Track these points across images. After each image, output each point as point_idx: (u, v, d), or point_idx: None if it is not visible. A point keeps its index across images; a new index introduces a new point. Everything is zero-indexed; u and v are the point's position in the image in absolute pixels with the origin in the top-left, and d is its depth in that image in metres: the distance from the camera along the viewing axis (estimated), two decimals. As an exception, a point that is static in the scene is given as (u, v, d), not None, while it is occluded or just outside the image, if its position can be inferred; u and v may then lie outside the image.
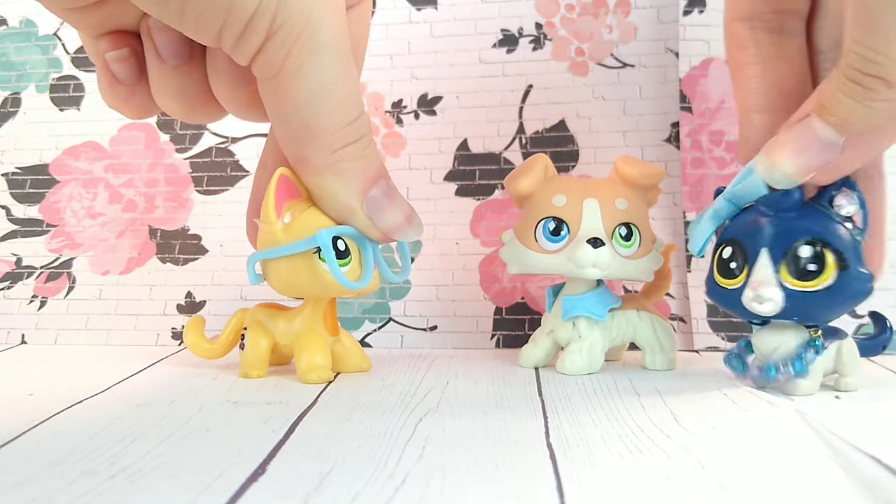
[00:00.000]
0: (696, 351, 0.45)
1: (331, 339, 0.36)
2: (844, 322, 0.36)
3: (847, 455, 0.24)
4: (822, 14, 0.34)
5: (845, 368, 0.33)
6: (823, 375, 0.33)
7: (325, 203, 0.32)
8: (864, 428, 0.27)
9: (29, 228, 0.51)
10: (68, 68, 0.54)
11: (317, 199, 0.33)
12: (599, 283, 0.38)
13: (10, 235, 0.51)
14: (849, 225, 0.31)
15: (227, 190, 0.51)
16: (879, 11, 0.26)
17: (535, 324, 0.45)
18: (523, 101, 0.50)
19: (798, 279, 0.31)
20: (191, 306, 0.48)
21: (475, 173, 0.49)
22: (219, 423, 0.28)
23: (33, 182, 0.52)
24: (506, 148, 0.49)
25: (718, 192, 0.35)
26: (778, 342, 0.33)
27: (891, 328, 0.36)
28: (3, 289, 0.50)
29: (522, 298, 0.47)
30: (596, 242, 0.35)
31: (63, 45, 0.54)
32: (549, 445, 0.25)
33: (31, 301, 0.49)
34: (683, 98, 0.48)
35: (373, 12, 0.52)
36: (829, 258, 0.30)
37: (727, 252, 0.33)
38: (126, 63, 0.30)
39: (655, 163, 0.47)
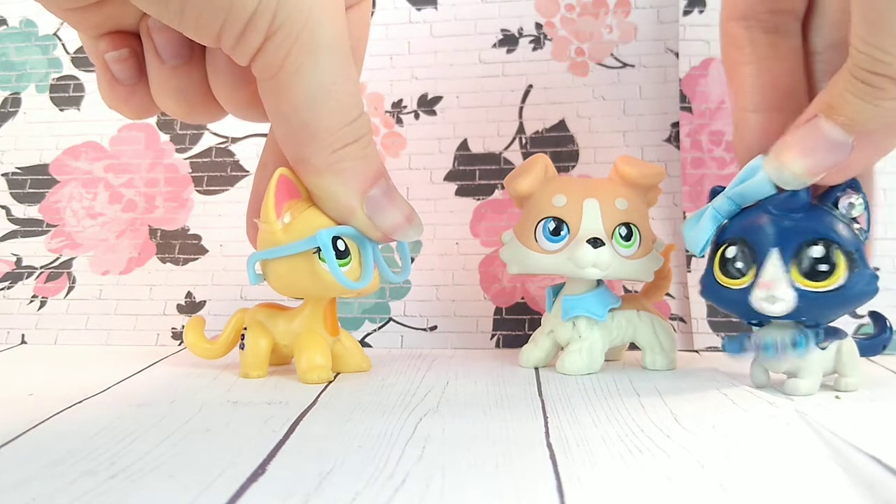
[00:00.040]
0: (696, 351, 0.45)
1: (331, 339, 0.36)
2: (844, 322, 0.36)
3: (847, 455, 0.24)
4: (818, 15, 0.34)
5: (845, 368, 0.33)
6: (823, 375, 0.33)
7: (324, 203, 0.32)
8: (864, 428, 0.27)
9: (29, 228, 0.51)
10: (68, 68, 0.54)
11: (316, 199, 0.33)
12: (599, 283, 0.38)
13: (10, 235, 0.51)
14: (855, 226, 0.31)
15: (227, 190, 0.51)
16: (888, 11, 0.26)
17: (535, 324, 0.45)
18: (523, 101, 0.50)
19: (809, 279, 0.30)
20: (191, 306, 0.48)
21: (475, 173, 0.49)
22: (219, 423, 0.28)
23: (33, 182, 0.52)
24: (506, 148, 0.49)
25: (714, 191, 0.35)
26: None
27: (891, 328, 0.36)
28: (3, 289, 0.50)
29: (522, 298, 0.47)
30: (596, 242, 0.35)
31: (63, 45, 0.54)
32: (549, 445, 0.25)
33: (31, 301, 0.49)
34: (683, 98, 0.48)
35: (372, 12, 0.52)
36: (840, 259, 0.30)
37: (731, 251, 0.32)
38: (126, 63, 0.30)
39: (655, 163, 0.47)
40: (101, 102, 0.32)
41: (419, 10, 0.52)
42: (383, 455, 0.24)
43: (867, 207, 0.32)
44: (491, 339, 0.46)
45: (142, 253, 0.50)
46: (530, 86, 0.50)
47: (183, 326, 0.46)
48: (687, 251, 0.46)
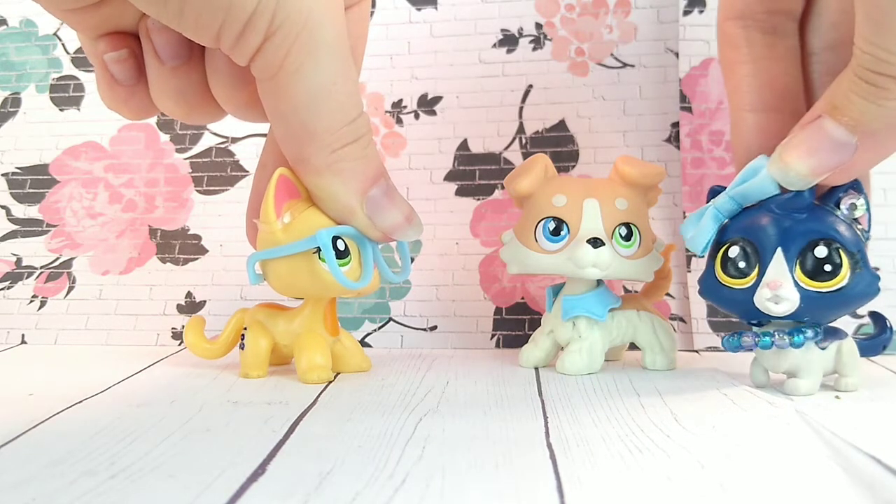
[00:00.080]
0: (696, 351, 0.45)
1: (331, 339, 0.36)
2: (844, 322, 0.36)
3: (847, 455, 0.24)
4: (815, 15, 0.34)
5: (845, 368, 0.33)
6: (823, 375, 0.33)
7: (324, 203, 0.32)
8: (864, 428, 0.27)
9: (29, 228, 0.51)
10: (68, 68, 0.54)
11: (316, 199, 0.33)
12: (599, 283, 0.38)
13: (10, 235, 0.51)
14: (857, 226, 0.31)
15: (227, 190, 0.51)
16: (892, 10, 0.26)
17: (535, 324, 0.45)
18: (523, 101, 0.50)
19: (813, 280, 0.30)
20: (191, 306, 0.48)
21: (475, 173, 0.49)
22: (219, 423, 0.28)
23: (33, 182, 0.52)
24: (506, 148, 0.49)
25: (714, 191, 0.35)
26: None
27: (891, 328, 0.36)
28: (3, 289, 0.50)
29: (522, 298, 0.47)
30: (596, 242, 0.35)
31: (63, 45, 0.54)
32: (549, 445, 0.25)
33: (31, 301, 0.49)
34: (683, 98, 0.48)
35: (372, 12, 0.52)
36: (845, 259, 0.30)
37: (734, 251, 0.32)
38: (125, 64, 0.30)
39: (655, 163, 0.47)
40: (101, 102, 0.32)
41: (419, 10, 0.52)
42: (383, 455, 0.24)
43: (869, 208, 0.32)
44: (491, 339, 0.46)
45: (142, 253, 0.50)
46: (530, 86, 0.50)
47: (183, 326, 0.46)
48: (687, 251, 0.46)
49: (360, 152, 0.31)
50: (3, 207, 0.52)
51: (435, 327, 0.47)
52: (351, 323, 0.47)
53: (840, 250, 0.30)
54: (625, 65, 0.49)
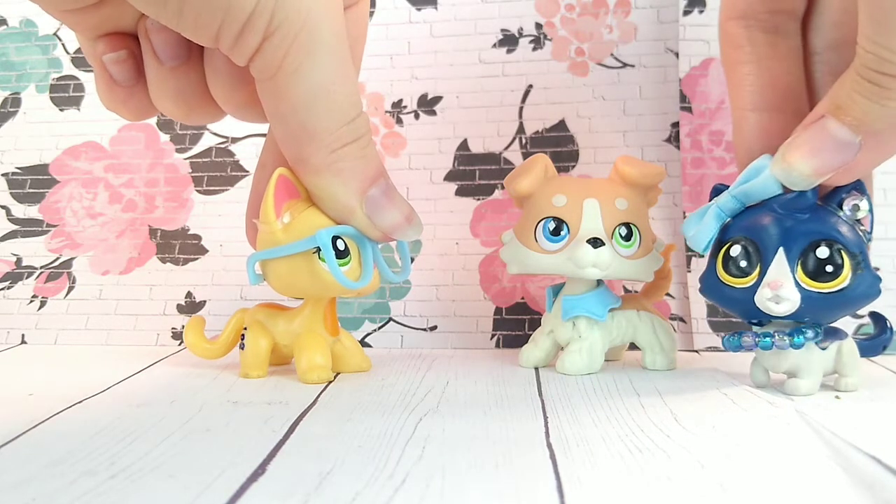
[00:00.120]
0: (696, 351, 0.45)
1: (331, 339, 0.36)
2: (844, 322, 0.36)
3: (847, 455, 0.24)
4: (817, 15, 0.34)
5: (845, 368, 0.33)
6: (823, 375, 0.33)
7: (324, 203, 0.32)
8: (864, 428, 0.27)
9: (29, 228, 0.51)
10: (68, 68, 0.54)
11: (316, 199, 0.33)
12: (599, 283, 0.38)
13: (10, 235, 0.51)
14: (859, 228, 0.31)
15: (227, 190, 0.51)
16: (895, 10, 0.26)
17: (535, 324, 0.45)
18: (523, 101, 0.50)
19: (815, 280, 0.30)
20: (191, 306, 0.48)
21: (475, 173, 0.49)
22: (219, 423, 0.28)
23: (33, 182, 0.52)
24: (506, 148, 0.49)
25: (716, 189, 0.35)
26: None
27: (891, 328, 0.36)
28: (3, 289, 0.50)
29: (522, 298, 0.47)
30: (596, 242, 0.35)
31: (63, 45, 0.54)
32: (549, 445, 0.25)
33: (31, 301, 0.49)
34: (683, 98, 0.48)
35: (372, 12, 0.52)
36: (846, 260, 0.30)
37: (735, 250, 0.32)
38: (124, 65, 0.30)
39: (655, 163, 0.47)
40: (101, 102, 0.32)
41: (419, 10, 0.52)
42: (383, 455, 0.24)
43: (871, 209, 0.32)
44: (491, 339, 0.46)
45: (142, 253, 0.50)
46: (530, 86, 0.50)
47: (183, 326, 0.46)
48: (687, 251, 0.46)
49: (360, 152, 0.31)
50: (3, 207, 0.52)
51: (435, 327, 0.47)
52: (351, 323, 0.47)
53: (842, 251, 0.30)
54: (625, 65, 0.50)
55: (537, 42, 0.50)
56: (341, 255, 0.33)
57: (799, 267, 0.31)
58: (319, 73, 0.28)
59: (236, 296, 0.48)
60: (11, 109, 0.53)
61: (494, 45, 0.51)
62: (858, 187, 0.31)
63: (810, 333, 0.31)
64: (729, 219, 0.33)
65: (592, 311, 0.37)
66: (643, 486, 0.21)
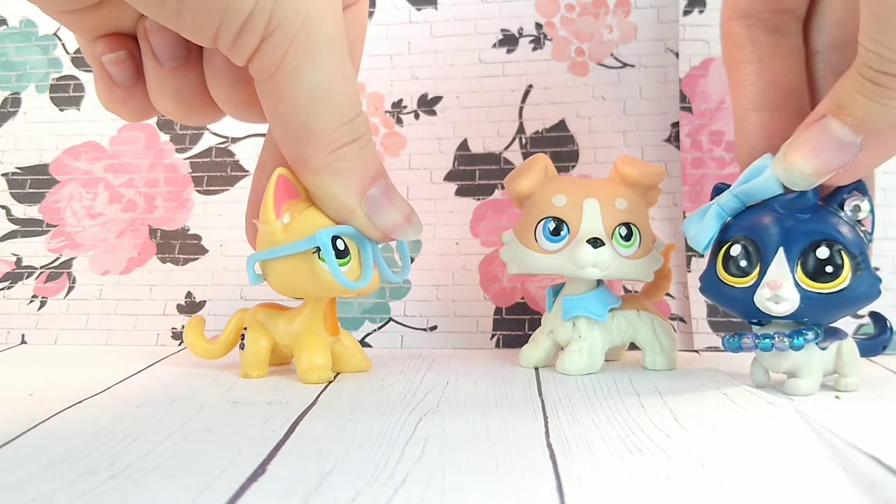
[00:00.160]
0: (696, 351, 0.45)
1: (331, 339, 0.36)
2: (844, 322, 0.36)
3: (847, 455, 0.24)
4: (819, 14, 0.34)
5: (845, 368, 0.33)
6: (823, 375, 0.33)
7: (323, 203, 0.32)
8: (864, 428, 0.27)
9: (29, 228, 0.51)
10: (68, 68, 0.54)
11: (316, 198, 0.33)
12: (599, 283, 0.38)
13: (10, 235, 0.51)
14: (860, 228, 0.31)
15: (227, 190, 0.51)
16: None
17: (535, 324, 0.45)
18: (523, 101, 0.50)
19: (814, 280, 0.30)
20: (191, 306, 0.48)
21: (475, 173, 0.49)
22: (219, 423, 0.28)
23: (33, 182, 0.52)
24: (506, 148, 0.49)
25: (718, 188, 0.35)
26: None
27: (891, 328, 0.36)
28: (3, 289, 0.50)
29: (522, 298, 0.47)
30: (596, 242, 0.35)
31: (63, 45, 0.54)
32: (549, 445, 0.25)
33: (31, 301, 0.49)
34: (683, 98, 0.48)
35: (372, 12, 0.52)
36: (846, 261, 0.30)
37: (736, 249, 0.32)
38: (123, 66, 0.30)
39: (655, 163, 0.47)
40: (100, 103, 0.32)
41: (419, 10, 0.52)
42: (383, 455, 0.24)
43: (872, 210, 0.32)
44: (491, 339, 0.46)
45: (142, 253, 0.50)
46: (530, 86, 0.50)
47: (183, 326, 0.46)
48: (687, 251, 0.46)
49: (359, 152, 0.31)
50: (3, 207, 0.52)
51: (435, 327, 0.47)
52: (351, 323, 0.47)
53: (842, 252, 0.30)
54: (625, 65, 0.49)
55: (537, 42, 0.50)
56: (341, 255, 0.33)
57: (799, 267, 0.31)
58: (318, 74, 0.28)
59: (236, 296, 0.48)
60: (11, 109, 0.53)
61: (494, 45, 0.51)
62: (860, 188, 0.31)
63: (810, 335, 0.31)
64: (730, 218, 0.33)
65: (592, 311, 0.37)
66: (643, 486, 0.21)
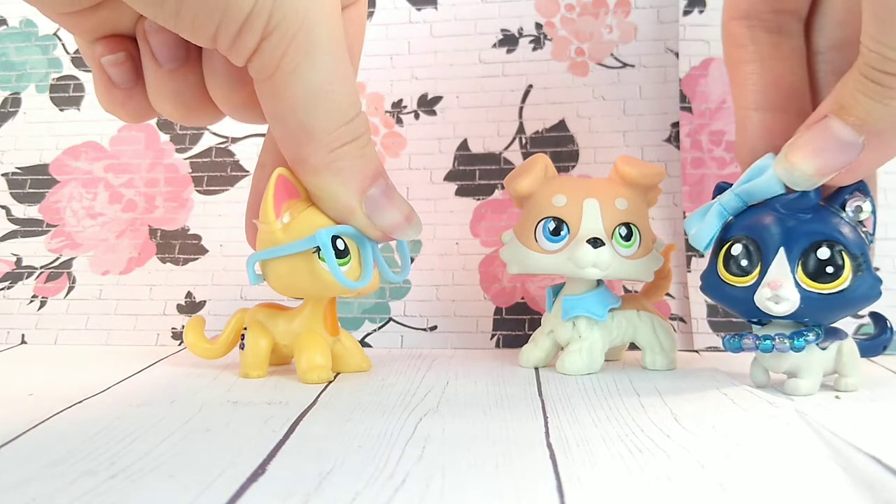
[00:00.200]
0: (696, 351, 0.45)
1: (331, 339, 0.36)
2: (845, 322, 0.36)
3: (847, 455, 0.24)
4: (820, 14, 0.34)
5: (845, 369, 0.33)
6: (823, 375, 0.33)
7: (323, 203, 0.32)
8: (864, 428, 0.27)
9: (29, 228, 0.51)
10: (68, 68, 0.54)
11: (315, 198, 0.33)
12: (599, 283, 0.38)
13: (10, 235, 0.51)
14: (861, 229, 0.31)
15: (227, 190, 0.51)
16: None
17: (535, 324, 0.45)
18: (523, 101, 0.50)
19: (815, 281, 0.30)
20: (191, 306, 0.48)
21: (475, 173, 0.49)
22: (219, 423, 0.28)
23: (33, 182, 0.52)
24: (506, 148, 0.49)
25: (720, 187, 0.35)
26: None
27: (891, 328, 0.36)
28: (3, 289, 0.50)
29: (522, 298, 0.47)
30: (596, 242, 0.35)
31: (63, 45, 0.54)
32: (549, 445, 0.25)
33: (31, 301, 0.49)
34: (683, 98, 0.48)
35: (372, 12, 0.52)
36: (847, 262, 0.30)
37: (737, 249, 0.32)
38: (122, 67, 0.30)
39: (655, 163, 0.47)
40: (99, 104, 0.32)
41: (419, 10, 0.52)
42: (383, 455, 0.24)
43: (874, 211, 0.32)
44: (491, 339, 0.46)
45: (142, 253, 0.50)
46: (530, 86, 0.50)
47: (183, 326, 0.46)
48: (687, 251, 0.46)
49: (359, 151, 0.31)
50: (3, 207, 0.52)
51: (435, 327, 0.47)
52: (351, 323, 0.47)
53: (843, 252, 0.30)
54: (625, 65, 0.49)
55: (537, 42, 0.50)
56: (341, 254, 0.33)
57: (799, 267, 0.31)
58: (317, 73, 0.28)
59: (236, 296, 0.48)
60: (11, 109, 0.53)
61: (494, 45, 0.51)
62: (861, 188, 0.31)
63: (811, 336, 0.31)
64: (731, 217, 0.33)
65: (592, 311, 0.37)
66: (643, 486, 0.21)
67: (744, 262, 0.32)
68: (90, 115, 0.52)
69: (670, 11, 0.49)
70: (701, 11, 0.49)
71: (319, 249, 0.32)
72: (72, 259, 0.50)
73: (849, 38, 0.33)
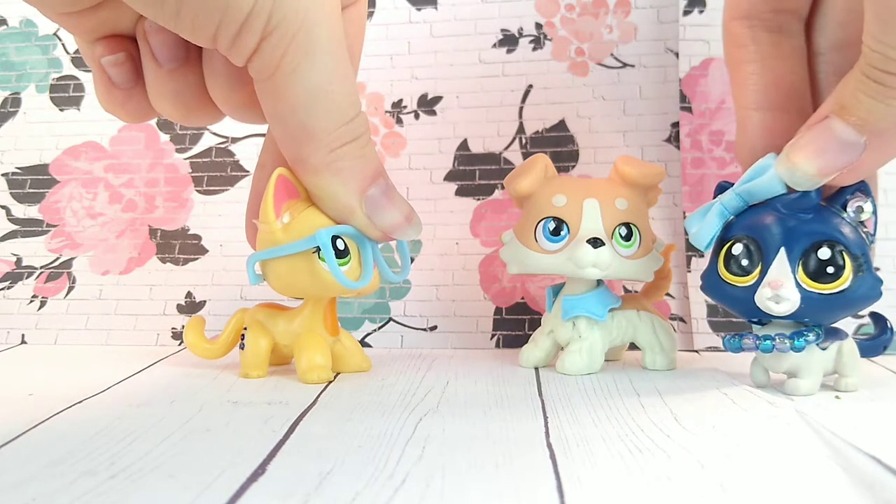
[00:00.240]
0: (696, 351, 0.45)
1: (331, 339, 0.36)
2: (845, 322, 0.36)
3: (847, 455, 0.24)
4: (821, 15, 0.34)
5: (845, 369, 0.33)
6: (823, 375, 0.33)
7: (323, 203, 0.32)
8: (864, 428, 0.27)
9: (29, 228, 0.51)
10: (68, 68, 0.54)
11: (315, 198, 0.33)
12: (599, 283, 0.38)
13: (10, 235, 0.51)
14: (862, 229, 0.31)
15: (227, 190, 0.51)
16: None
17: (535, 324, 0.45)
18: (523, 101, 0.50)
19: (815, 281, 0.30)
20: (191, 306, 0.48)
21: (475, 173, 0.49)
22: (219, 423, 0.28)
23: (33, 182, 0.52)
24: (506, 148, 0.49)
25: (720, 187, 0.35)
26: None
27: (891, 329, 0.36)
28: (3, 289, 0.50)
29: (522, 298, 0.47)
30: (596, 242, 0.35)
31: (63, 45, 0.54)
32: (549, 445, 0.25)
33: (31, 301, 0.49)
34: (683, 98, 0.48)
35: (372, 12, 0.52)
36: (848, 262, 0.30)
37: (737, 248, 0.32)
38: (122, 67, 0.30)
39: (655, 163, 0.47)
40: (99, 105, 0.32)
41: (419, 10, 0.51)
42: (383, 455, 0.24)
43: (875, 212, 0.32)
44: (491, 339, 0.46)
45: (142, 253, 0.50)
46: (530, 86, 0.50)
47: (183, 326, 0.46)
48: (688, 251, 0.46)
49: (359, 151, 0.31)
50: (3, 207, 0.52)
51: (435, 327, 0.47)
52: (351, 323, 0.47)
53: (843, 253, 0.30)
54: (625, 65, 0.49)
55: (537, 42, 0.50)
56: (341, 254, 0.33)
57: (800, 267, 0.31)
58: (317, 73, 0.28)
59: (236, 296, 0.48)
60: (11, 109, 0.53)
61: (494, 45, 0.51)
62: (863, 189, 0.31)
63: (811, 336, 0.31)
64: (732, 217, 0.33)
65: (592, 311, 0.37)
66: (643, 486, 0.21)
67: (744, 262, 0.32)
68: (90, 115, 0.52)
69: (670, 11, 0.49)
70: (701, 11, 0.49)
71: (319, 249, 0.32)
72: (72, 259, 0.50)
73: (849, 38, 0.33)
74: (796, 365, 0.32)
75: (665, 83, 0.49)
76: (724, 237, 0.33)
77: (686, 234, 0.38)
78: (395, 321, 0.47)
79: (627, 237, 0.36)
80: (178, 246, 0.50)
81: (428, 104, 0.50)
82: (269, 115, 0.30)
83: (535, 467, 0.23)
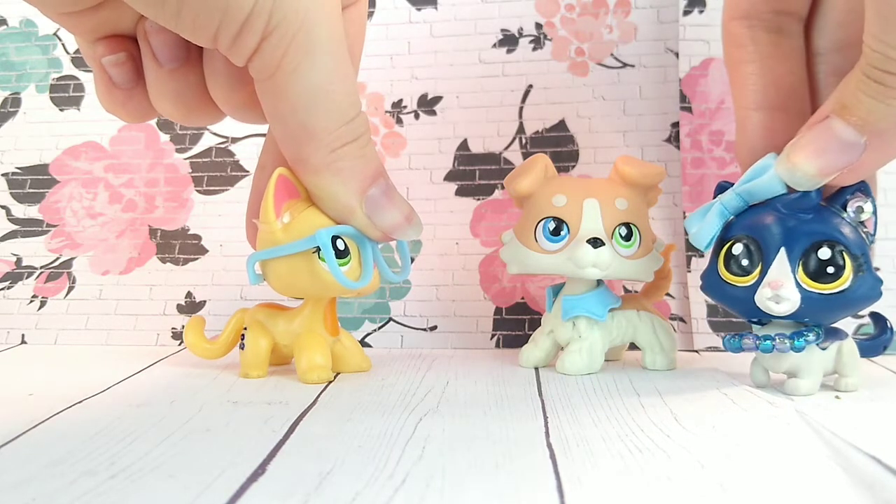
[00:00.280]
0: (696, 351, 0.45)
1: (331, 339, 0.36)
2: (845, 322, 0.36)
3: (847, 455, 0.24)
4: (821, 15, 0.34)
5: (845, 369, 0.33)
6: (823, 375, 0.33)
7: (324, 203, 0.32)
8: (864, 428, 0.27)
9: (29, 228, 0.51)
10: (68, 68, 0.54)
11: (316, 198, 0.33)
12: (599, 283, 0.38)
13: (10, 235, 0.51)
14: (862, 229, 0.31)
15: (227, 190, 0.51)
16: None
17: (535, 324, 0.45)
18: (523, 101, 0.50)
19: (815, 281, 0.30)
20: (191, 306, 0.48)
21: (475, 173, 0.49)
22: (219, 423, 0.28)
23: (33, 182, 0.52)
24: (506, 148, 0.49)
25: (721, 186, 0.35)
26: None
27: (891, 329, 0.36)
28: (3, 289, 0.50)
29: (522, 298, 0.47)
30: (596, 242, 0.35)
31: (63, 45, 0.54)
32: (549, 445, 0.25)
33: (31, 301, 0.49)
34: (683, 98, 0.48)
35: (372, 12, 0.52)
36: (848, 262, 0.30)
37: (737, 248, 0.32)
38: (123, 67, 0.30)
39: (655, 163, 0.47)
40: (99, 105, 0.32)
41: (419, 10, 0.52)
42: (383, 455, 0.24)
43: (875, 212, 0.32)
44: (491, 339, 0.46)
45: (142, 253, 0.50)
46: (530, 86, 0.50)
47: (183, 326, 0.46)
48: (687, 251, 0.46)
49: (359, 151, 0.31)
50: (3, 207, 0.52)
51: (435, 327, 0.47)
52: (351, 323, 0.47)
53: (844, 253, 0.30)
54: (625, 65, 0.49)
55: (537, 42, 0.50)
56: (341, 254, 0.33)
57: (800, 267, 0.31)
58: (318, 73, 0.28)
59: (236, 296, 0.48)
60: (11, 109, 0.53)
61: (494, 45, 0.51)
62: (863, 189, 0.31)
63: (811, 336, 0.31)
64: (732, 217, 0.33)
65: (592, 311, 0.37)
66: (643, 486, 0.21)
67: (744, 262, 0.32)
68: (90, 115, 0.52)
69: (670, 11, 0.49)
70: (701, 11, 0.49)
71: (319, 249, 0.32)
72: (72, 259, 0.50)
73: (849, 39, 0.33)
74: (796, 365, 0.32)
75: (665, 83, 0.49)
76: (724, 237, 0.33)
77: (686, 234, 0.38)
78: (395, 321, 0.47)
79: (627, 237, 0.36)
80: (178, 246, 0.50)
81: (428, 104, 0.50)
82: (270, 114, 0.30)
83: (535, 467, 0.23)
